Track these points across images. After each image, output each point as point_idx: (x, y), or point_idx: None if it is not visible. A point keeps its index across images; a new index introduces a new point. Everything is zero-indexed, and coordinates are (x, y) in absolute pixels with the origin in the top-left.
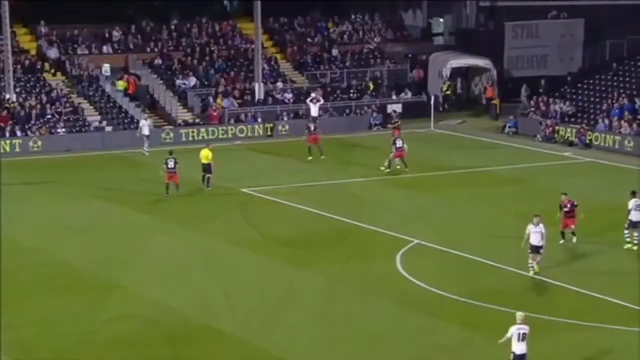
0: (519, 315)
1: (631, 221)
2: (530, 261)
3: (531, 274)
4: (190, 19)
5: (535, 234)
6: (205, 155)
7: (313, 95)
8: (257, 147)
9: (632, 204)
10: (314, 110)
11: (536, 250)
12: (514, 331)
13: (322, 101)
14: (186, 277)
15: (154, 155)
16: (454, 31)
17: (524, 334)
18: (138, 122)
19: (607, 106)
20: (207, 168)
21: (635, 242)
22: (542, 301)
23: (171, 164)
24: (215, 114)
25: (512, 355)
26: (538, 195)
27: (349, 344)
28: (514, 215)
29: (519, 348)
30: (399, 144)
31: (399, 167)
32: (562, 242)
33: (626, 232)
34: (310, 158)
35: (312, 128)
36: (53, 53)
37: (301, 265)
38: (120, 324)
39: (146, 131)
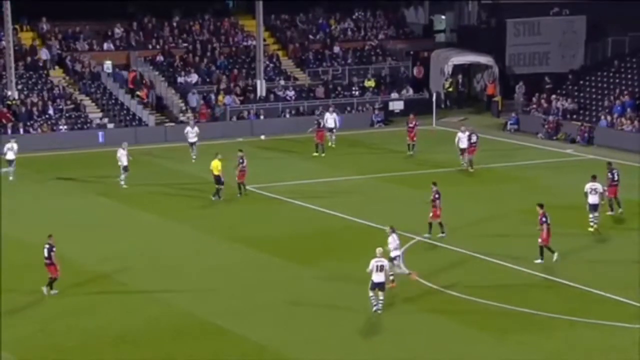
0: (378, 250)
1: (590, 204)
2: None
3: None
4: (191, 15)
5: None
6: (215, 165)
7: (331, 108)
8: (260, 143)
9: (588, 187)
10: (331, 121)
11: None
12: (373, 263)
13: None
14: (188, 274)
15: (160, 153)
16: (456, 28)
17: (381, 265)
18: (140, 120)
19: (609, 103)
20: (217, 179)
21: (595, 222)
22: (544, 298)
23: (245, 162)
24: (203, 111)
25: (370, 282)
26: (539, 192)
27: (350, 340)
28: (516, 212)
29: (376, 277)
30: (474, 138)
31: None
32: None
33: (590, 216)
34: (315, 154)
35: (320, 125)
36: (54, 50)
37: (303, 263)
38: (122, 321)
39: (192, 138)
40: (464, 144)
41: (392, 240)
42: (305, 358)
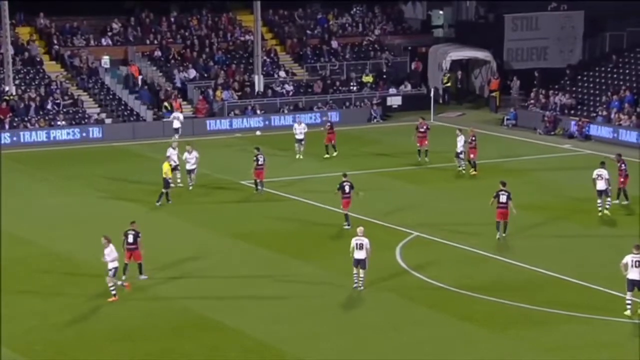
0: (359, 229)
1: (597, 190)
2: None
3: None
4: (189, 10)
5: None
6: (167, 169)
7: (298, 116)
8: (256, 139)
9: (595, 173)
10: (300, 133)
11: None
12: (353, 242)
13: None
14: (187, 269)
15: (156, 148)
16: (454, 23)
17: (360, 244)
18: (138, 115)
19: (607, 98)
20: (167, 183)
21: (602, 206)
22: (541, 293)
23: (261, 160)
24: (200, 106)
25: (352, 259)
26: (537, 187)
27: (349, 336)
28: (513, 207)
29: (357, 254)
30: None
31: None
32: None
33: (598, 201)
34: (326, 155)
35: (329, 126)
36: (52, 45)
37: (301, 258)
38: (120, 316)
39: (190, 165)
40: (459, 148)
41: (110, 252)
42: (304, 353)
